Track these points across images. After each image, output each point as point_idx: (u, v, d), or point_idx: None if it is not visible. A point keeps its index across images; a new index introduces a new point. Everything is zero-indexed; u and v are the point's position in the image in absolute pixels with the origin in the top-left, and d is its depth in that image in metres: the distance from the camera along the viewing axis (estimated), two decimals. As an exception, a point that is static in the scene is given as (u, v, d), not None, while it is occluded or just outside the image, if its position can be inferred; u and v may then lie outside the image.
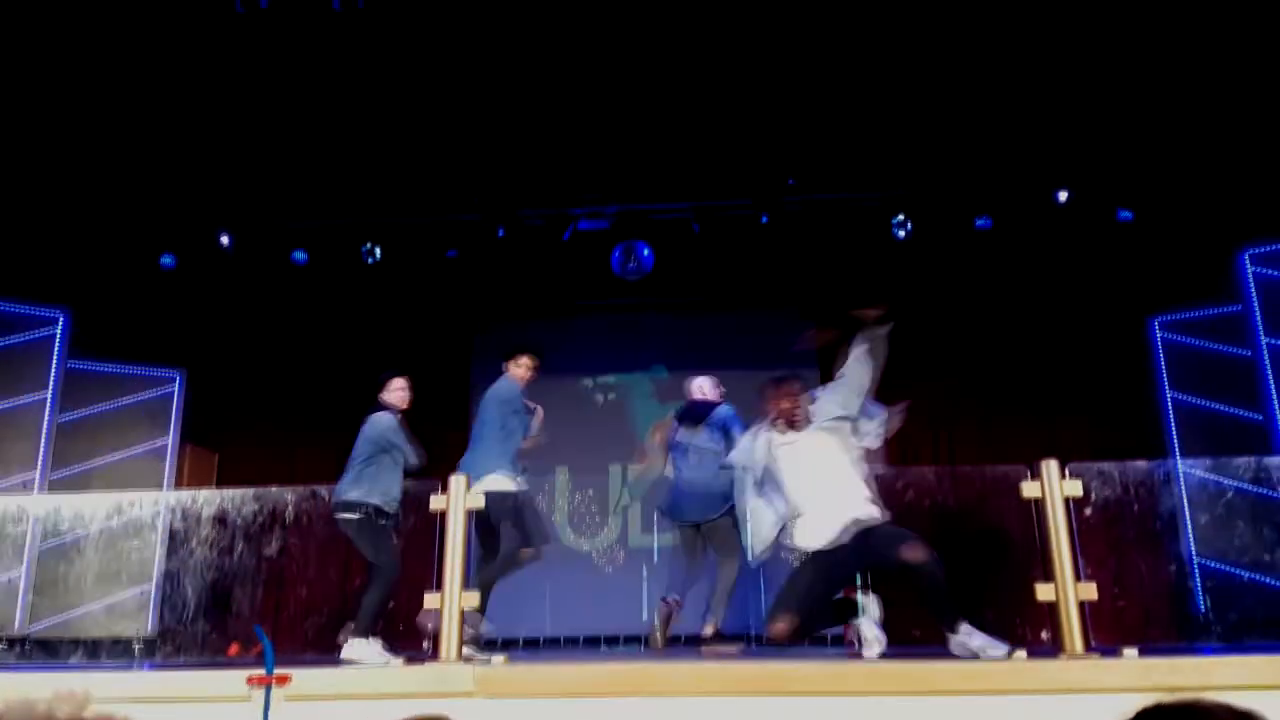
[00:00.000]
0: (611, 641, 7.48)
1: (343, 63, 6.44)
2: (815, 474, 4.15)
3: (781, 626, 3.92)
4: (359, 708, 2.90)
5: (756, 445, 4.34)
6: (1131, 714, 1.26)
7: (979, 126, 6.99)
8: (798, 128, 7.09)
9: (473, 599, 3.49)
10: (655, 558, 8.27)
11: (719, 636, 5.29)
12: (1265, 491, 5.57)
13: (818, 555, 4.07)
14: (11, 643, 6.07)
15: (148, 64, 6.34)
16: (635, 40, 6.36)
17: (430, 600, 3.49)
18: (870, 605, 4.16)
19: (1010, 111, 6.83)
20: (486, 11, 5.91)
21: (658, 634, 5.34)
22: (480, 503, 3.78)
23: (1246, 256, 6.63)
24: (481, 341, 9.00)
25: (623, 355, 8.86)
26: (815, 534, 4.10)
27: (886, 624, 4.05)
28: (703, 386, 5.83)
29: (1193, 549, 6.34)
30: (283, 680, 2.48)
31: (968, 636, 3.73)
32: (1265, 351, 6.43)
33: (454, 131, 7.13)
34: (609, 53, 6.47)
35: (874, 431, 4.25)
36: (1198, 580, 6.32)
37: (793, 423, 4.21)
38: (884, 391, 4.23)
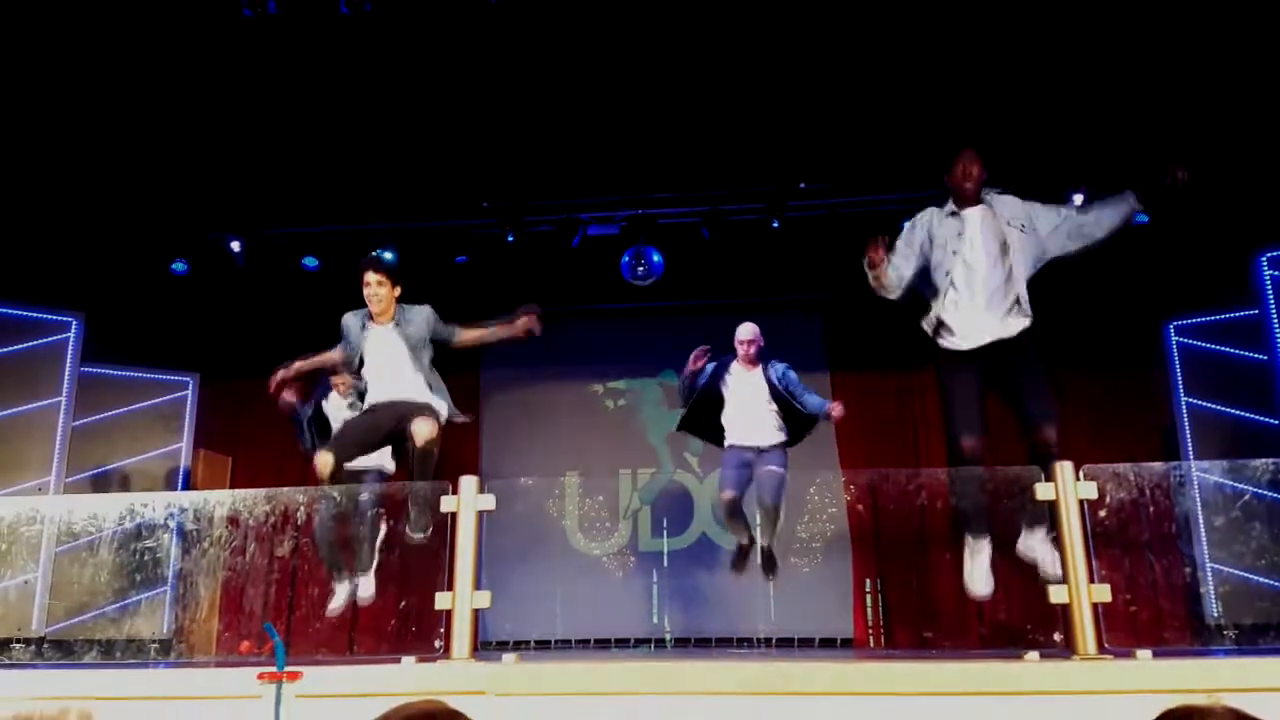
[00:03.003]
0: (622, 643, 7.49)
1: (350, 67, 6.47)
2: None
3: None
4: (370, 705, 2.90)
5: None
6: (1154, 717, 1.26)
7: (992, 129, 6.96)
8: (808, 130, 7.08)
9: (484, 599, 3.49)
10: (665, 562, 8.28)
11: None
12: (1280, 496, 5.54)
13: None
14: (28, 643, 6.12)
15: (157, 70, 6.39)
16: (643, 46, 6.38)
17: (442, 600, 3.50)
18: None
19: (1024, 114, 6.80)
20: (496, 16, 5.94)
21: None
22: (492, 504, 3.76)
23: (1263, 260, 6.59)
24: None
25: (632, 361, 8.87)
26: None
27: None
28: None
29: (1206, 552, 6.32)
30: (294, 676, 2.49)
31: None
32: (1281, 356, 6.38)
33: (463, 136, 7.15)
34: (617, 58, 6.49)
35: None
36: (1210, 584, 6.30)
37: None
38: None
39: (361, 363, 4.81)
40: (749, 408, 5.97)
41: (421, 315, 4.83)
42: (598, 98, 6.78)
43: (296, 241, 8.19)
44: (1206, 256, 7.03)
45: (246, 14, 5.65)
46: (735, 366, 6.07)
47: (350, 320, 4.86)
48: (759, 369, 6.00)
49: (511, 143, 7.22)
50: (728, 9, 6.12)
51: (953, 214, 4.34)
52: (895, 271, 4.31)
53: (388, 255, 4.90)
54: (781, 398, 5.90)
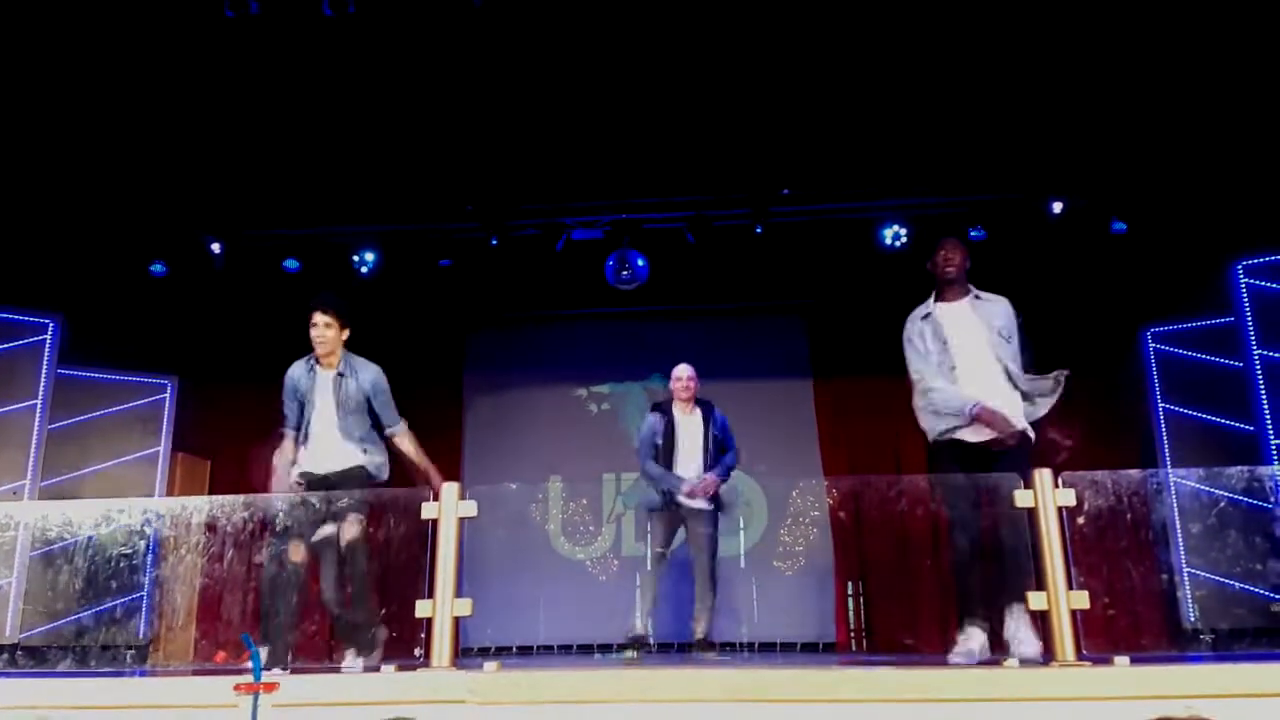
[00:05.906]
0: (605, 649, 7.47)
1: (334, 69, 6.43)
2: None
3: None
4: (349, 714, 2.88)
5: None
6: None
7: (974, 137, 7.02)
8: (792, 137, 7.10)
9: (465, 606, 3.47)
10: (648, 566, 8.26)
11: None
12: (1256, 502, 5.60)
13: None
14: (1, 650, 6.04)
15: (137, 70, 6.33)
16: (627, 51, 6.38)
17: (422, 608, 3.47)
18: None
19: (1005, 122, 6.85)
20: (480, 19, 5.91)
21: None
22: (474, 510, 3.72)
23: (1239, 268, 6.67)
24: (473, 347, 9.01)
25: (617, 364, 8.87)
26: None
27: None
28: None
29: (1183, 559, 6.38)
30: (270, 688, 2.46)
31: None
32: (1257, 363, 6.46)
33: (447, 139, 7.13)
34: (601, 63, 6.48)
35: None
36: (1187, 590, 6.37)
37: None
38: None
39: (303, 409, 4.63)
40: (689, 454, 5.78)
41: (370, 374, 4.62)
42: (582, 102, 6.78)
43: (277, 243, 8.13)
44: (1183, 265, 7.10)
45: (229, 14, 5.60)
46: (675, 408, 5.93)
47: (296, 373, 4.66)
48: (698, 412, 5.88)
49: (496, 146, 7.20)
50: (712, 14, 6.12)
51: (926, 316, 4.29)
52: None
53: (338, 297, 4.63)
54: (710, 448, 5.74)
